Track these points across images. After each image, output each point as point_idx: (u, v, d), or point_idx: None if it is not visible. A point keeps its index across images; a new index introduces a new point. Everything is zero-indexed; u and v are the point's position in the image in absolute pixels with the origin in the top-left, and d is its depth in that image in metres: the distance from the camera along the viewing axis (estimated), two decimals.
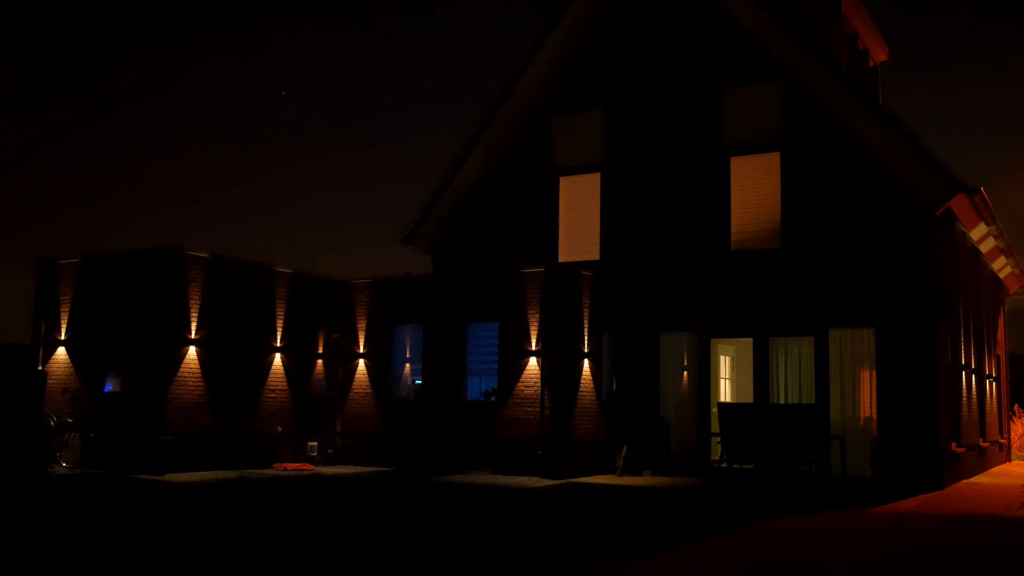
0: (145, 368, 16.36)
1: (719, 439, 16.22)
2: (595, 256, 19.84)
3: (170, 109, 57.47)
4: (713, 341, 18.75)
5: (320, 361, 19.17)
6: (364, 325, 19.36)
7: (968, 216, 18.55)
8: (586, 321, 17.75)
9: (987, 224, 19.34)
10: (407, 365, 19.01)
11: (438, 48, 61.89)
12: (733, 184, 18.67)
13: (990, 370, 22.78)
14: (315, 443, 18.61)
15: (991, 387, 22.82)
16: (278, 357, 18.09)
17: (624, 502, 13.24)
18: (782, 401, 17.69)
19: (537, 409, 17.09)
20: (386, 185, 58.23)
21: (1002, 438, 24.41)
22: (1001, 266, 23.84)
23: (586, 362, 17.68)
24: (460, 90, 64.97)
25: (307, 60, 60.39)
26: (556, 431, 16.96)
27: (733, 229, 18.57)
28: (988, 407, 21.98)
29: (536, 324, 17.29)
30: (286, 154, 58.82)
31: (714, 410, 18.01)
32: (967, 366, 19.54)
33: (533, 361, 17.25)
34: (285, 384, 18.21)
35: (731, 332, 18.68)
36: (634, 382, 18.91)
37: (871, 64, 22.55)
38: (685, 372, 19.02)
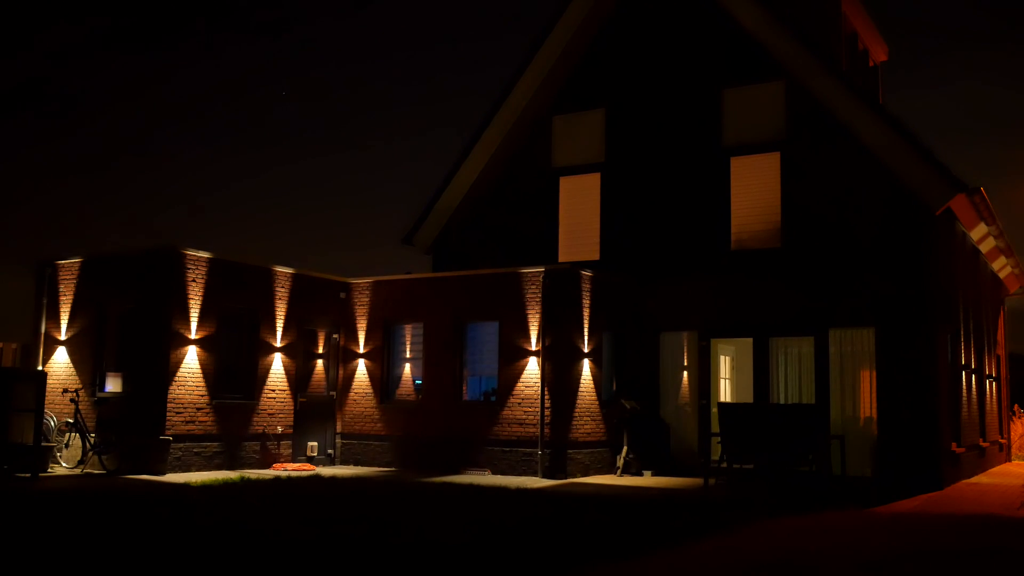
0: (145, 368, 16.35)
1: (719, 439, 16.21)
2: (595, 256, 19.84)
3: (170, 109, 57.45)
4: (713, 341, 18.75)
5: (320, 361, 19.16)
6: (364, 325, 19.35)
7: (968, 216, 18.55)
8: (586, 321, 17.74)
9: (987, 224, 19.34)
10: (407, 365, 19.01)
11: (438, 47, 61.86)
12: (733, 184, 18.68)
13: (990, 370, 22.78)
14: (315, 443, 18.61)
15: (991, 387, 22.81)
16: (278, 357, 18.08)
17: (624, 502, 13.23)
18: (782, 401, 17.69)
19: (537, 409, 17.08)
20: (386, 185, 58.24)
21: (1002, 438, 24.40)
22: (1001, 266, 23.84)
23: (586, 362, 17.67)
24: (460, 90, 64.97)
25: (307, 59, 60.36)
26: (556, 431, 16.96)
27: (733, 229, 18.58)
28: (988, 407, 21.98)
29: (536, 324, 17.29)
30: (286, 154, 58.82)
31: (714, 410, 18.01)
32: (967, 366, 19.53)
33: (533, 361, 17.25)
34: (285, 384, 18.20)
35: (731, 332, 18.68)
36: (634, 382, 18.92)
37: (871, 64, 22.55)
38: (685, 372, 19.02)
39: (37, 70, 52.78)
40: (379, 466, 18.55)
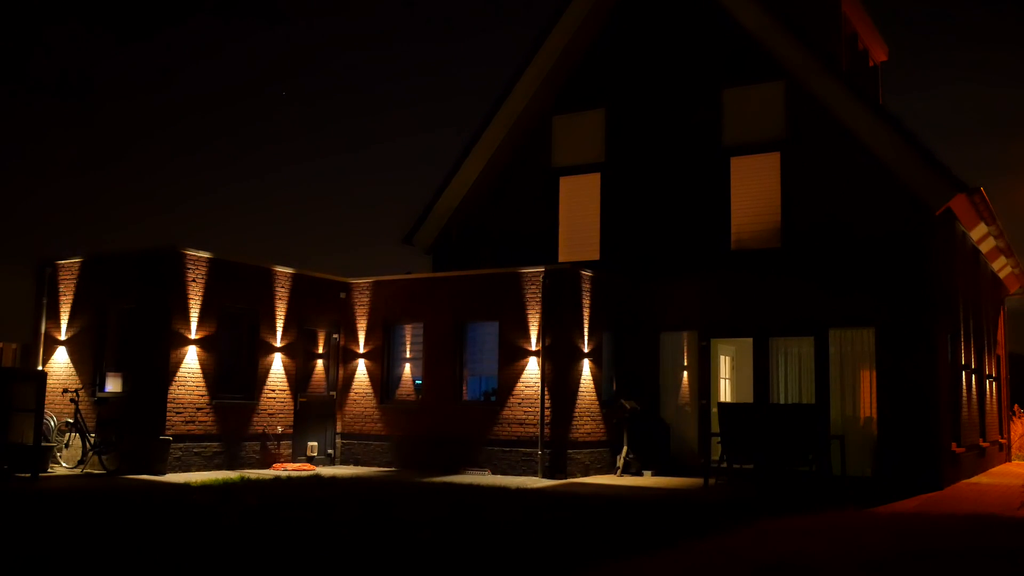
0: (145, 368, 16.35)
1: (719, 439, 16.22)
2: (595, 256, 19.84)
3: (170, 109, 57.48)
4: (713, 341, 18.75)
5: (320, 361, 19.16)
6: (364, 325, 19.36)
7: (968, 216, 18.55)
8: (586, 321, 17.75)
9: (987, 224, 19.35)
10: (407, 365, 19.02)
11: (439, 47, 61.90)
12: (733, 184, 18.68)
13: (990, 370, 22.78)
14: (315, 443, 18.61)
15: (991, 387, 22.81)
16: (278, 357, 18.08)
17: (624, 502, 13.23)
18: (782, 401, 17.69)
19: (537, 409, 17.08)
20: (386, 185, 58.25)
21: (1002, 438, 24.40)
22: (1001, 266, 23.84)
23: (586, 362, 17.67)
24: (460, 90, 64.99)
25: (308, 59, 60.40)
26: (556, 431, 16.96)
27: (733, 229, 18.58)
28: (988, 407, 21.98)
29: (536, 324, 17.29)
30: (286, 154, 58.83)
31: (714, 410, 18.01)
32: (967, 366, 19.53)
33: (533, 361, 17.25)
34: (285, 384, 18.20)
35: (731, 332, 18.68)
36: (634, 382, 18.92)
37: (871, 64, 22.55)
38: (685, 372, 19.02)
39: (37, 70, 52.80)
40: (379, 466, 18.55)
